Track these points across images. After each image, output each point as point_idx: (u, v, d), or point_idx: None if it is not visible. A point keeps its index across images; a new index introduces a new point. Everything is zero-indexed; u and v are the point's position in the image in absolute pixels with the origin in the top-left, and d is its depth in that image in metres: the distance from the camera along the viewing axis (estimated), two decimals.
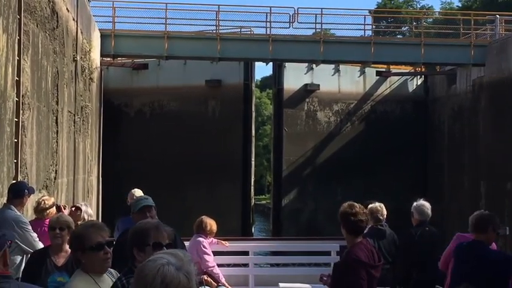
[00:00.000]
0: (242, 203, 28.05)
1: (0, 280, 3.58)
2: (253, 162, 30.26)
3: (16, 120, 10.60)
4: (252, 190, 29.43)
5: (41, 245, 7.40)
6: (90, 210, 8.84)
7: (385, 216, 8.96)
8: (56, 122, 14.30)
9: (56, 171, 14.19)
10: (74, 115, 16.86)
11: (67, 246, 6.06)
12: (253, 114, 30.27)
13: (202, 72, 27.71)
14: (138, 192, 9.88)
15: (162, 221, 4.95)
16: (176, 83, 27.98)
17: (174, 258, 2.62)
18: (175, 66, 27.70)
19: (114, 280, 4.31)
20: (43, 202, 8.45)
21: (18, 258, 7.60)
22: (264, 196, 59.13)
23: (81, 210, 8.59)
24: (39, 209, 8.40)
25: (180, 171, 26.93)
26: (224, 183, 27.13)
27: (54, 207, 8.47)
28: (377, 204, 8.84)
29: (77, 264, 4.40)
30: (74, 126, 16.85)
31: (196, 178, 26.89)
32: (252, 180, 29.52)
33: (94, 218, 8.36)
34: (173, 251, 2.71)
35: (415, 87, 30.73)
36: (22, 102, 10.92)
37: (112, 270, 4.45)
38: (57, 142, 14.38)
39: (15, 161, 10.56)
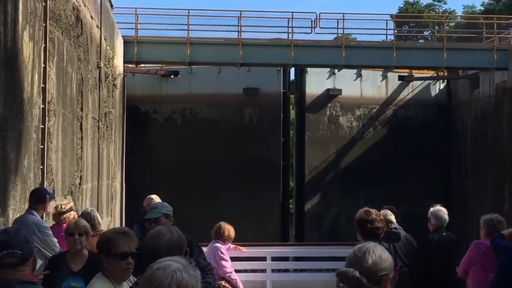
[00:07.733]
0: (282, 208, 28.17)
1: (28, 286, 3.63)
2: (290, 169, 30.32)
3: (42, 126, 10.75)
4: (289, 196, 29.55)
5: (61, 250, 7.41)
6: (98, 216, 8.28)
7: (394, 219, 8.89)
8: (81, 128, 14.47)
9: (80, 177, 14.35)
10: (98, 121, 17.04)
11: (85, 252, 6.14)
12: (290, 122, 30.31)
13: (238, 80, 27.47)
14: (155, 198, 9.89)
15: (189, 228, 5.02)
16: (210, 90, 27.72)
17: (179, 264, 2.67)
18: (209, 73, 27.63)
19: None
20: (60, 206, 8.53)
21: (39, 263, 7.68)
22: None
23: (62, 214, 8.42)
24: (57, 213, 8.46)
25: (213, 177, 26.76)
26: (264, 189, 27.04)
27: (72, 211, 8.52)
28: (382, 212, 8.69)
29: (99, 266, 4.44)
30: (98, 132, 17.03)
31: (231, 184, 26.70)
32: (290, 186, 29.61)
33: (101, 224, 8.11)
34: (172, 258, 2.75)
35: (437, 91, 30.55)
36: (48, 109, 11.07)
37: (132, 277, 4.48)
38: (81, 148, 14.55)
39: (41, 167, 10.70)
